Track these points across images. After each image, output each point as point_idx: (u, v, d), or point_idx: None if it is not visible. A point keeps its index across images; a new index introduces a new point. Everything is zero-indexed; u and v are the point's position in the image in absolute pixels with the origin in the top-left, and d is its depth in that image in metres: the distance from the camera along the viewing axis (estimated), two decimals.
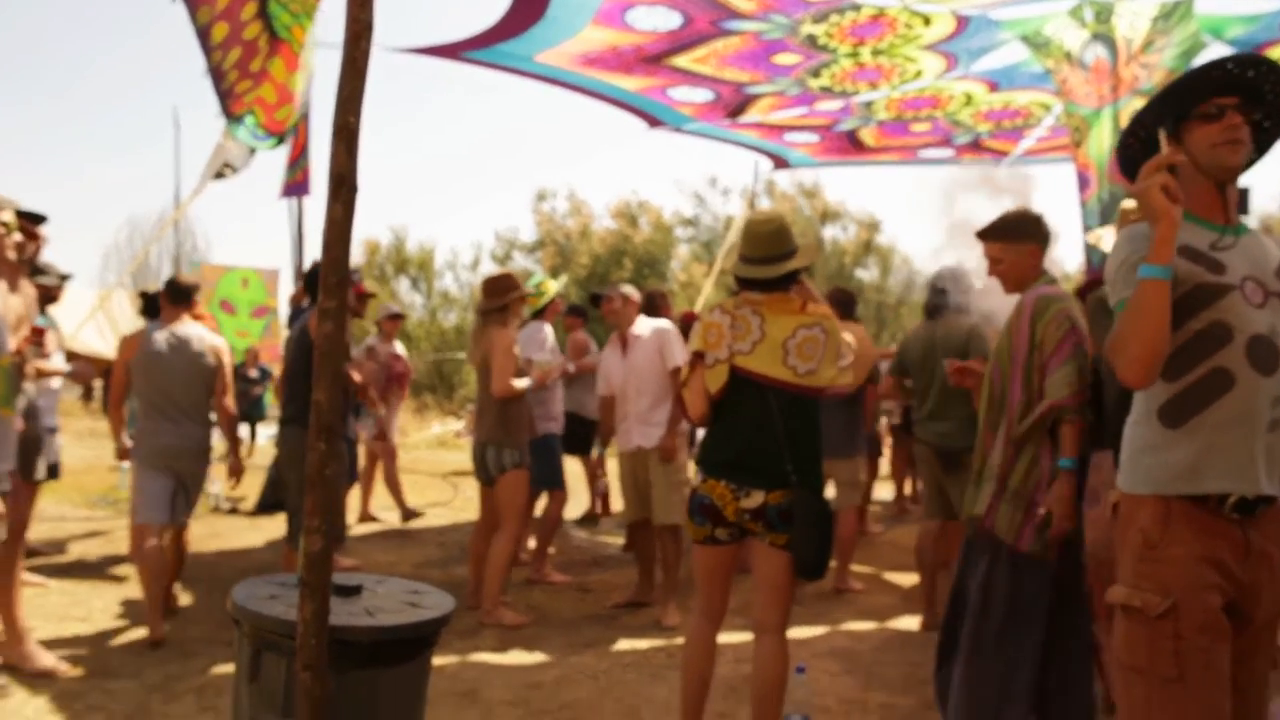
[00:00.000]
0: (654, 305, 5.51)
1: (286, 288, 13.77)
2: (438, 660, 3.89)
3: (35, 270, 4.61)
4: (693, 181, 33.92)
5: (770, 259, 3.06)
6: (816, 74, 7.30)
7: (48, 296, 5.00)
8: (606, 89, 7.65)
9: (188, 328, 4.61)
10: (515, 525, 4.83)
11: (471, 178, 49.68)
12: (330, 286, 2.01)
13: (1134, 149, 2.19)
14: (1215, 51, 6.88)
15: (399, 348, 7.88)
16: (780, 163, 10.44)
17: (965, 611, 2.99)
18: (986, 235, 3.18)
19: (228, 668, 3.59)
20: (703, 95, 7.85)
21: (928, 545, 4.79)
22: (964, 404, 4.42)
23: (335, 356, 2.01)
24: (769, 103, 8.10)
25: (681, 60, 7.00)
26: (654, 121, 8.56)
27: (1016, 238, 3.12)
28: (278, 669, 2.15)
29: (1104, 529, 3.01)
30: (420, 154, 48.11)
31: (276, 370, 10.29)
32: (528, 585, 5.57)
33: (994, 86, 7.85)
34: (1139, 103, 6.18)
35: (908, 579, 5.96)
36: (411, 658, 2.27)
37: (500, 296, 4.86)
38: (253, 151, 7.71)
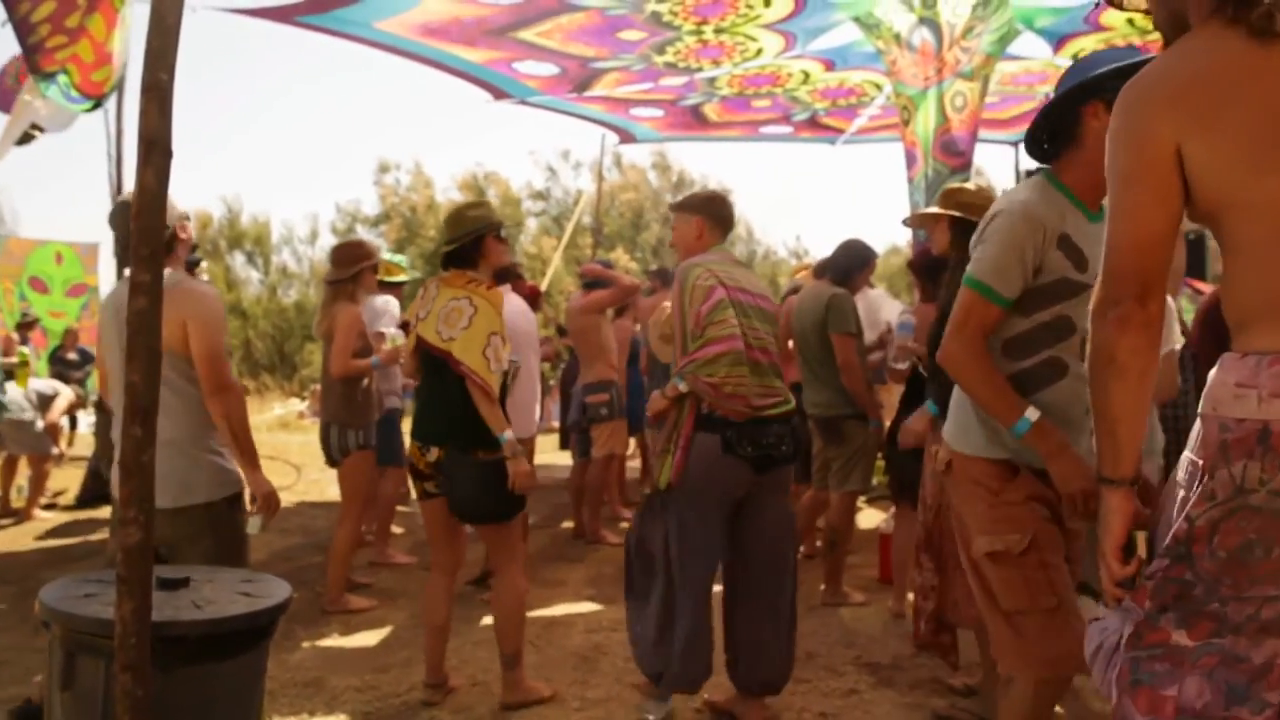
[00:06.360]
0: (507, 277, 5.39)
1: (108, 263, 12.82)
2: (280, 651, 3.75)
3: None
4: (546, 155, 33.55)
5: (450, 239, 3.38)
6: (661, 50, 7.35)
7: None
8: (450, 59, 7.45)
9: None
10: (354, 510, 4.71)
11: (309, 148, 47.66)
12: (143, 259, 1.87)
13: (1041, 128, 2.22)
14: (1027, 39, 7.34)
15: None
16: (626, 137, 10.49)
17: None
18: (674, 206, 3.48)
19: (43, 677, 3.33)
20: (548, 69, 7.76)
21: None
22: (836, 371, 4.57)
23: (150, 334, 1.88)
24: (615, 78, 8.10)
25: (526, 34, 6.88)
26: (499, 94, 8.40)
27: (683, 208, 3.38)
28: (95, 673, 2.00)
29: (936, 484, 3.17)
30: (253, 122, 45.73)
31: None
32: (372, 568, 5.40)
33: (830, 65, 8.11)
34: (961, 85, 6.52)
35: None
36: (246, 650, 2.17)
37: (349, 266, 4.64)
38: (73, 115, 6.99)
